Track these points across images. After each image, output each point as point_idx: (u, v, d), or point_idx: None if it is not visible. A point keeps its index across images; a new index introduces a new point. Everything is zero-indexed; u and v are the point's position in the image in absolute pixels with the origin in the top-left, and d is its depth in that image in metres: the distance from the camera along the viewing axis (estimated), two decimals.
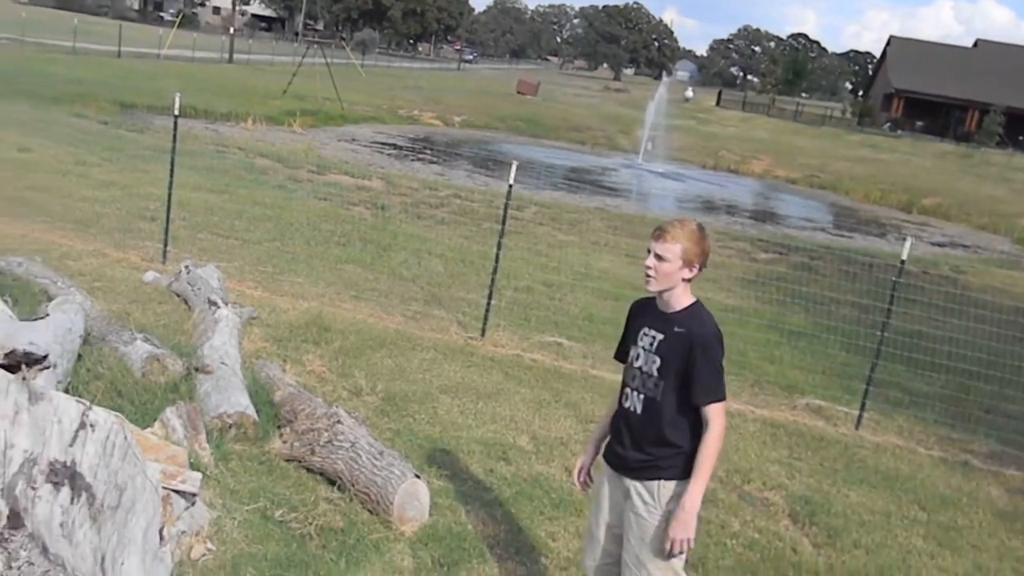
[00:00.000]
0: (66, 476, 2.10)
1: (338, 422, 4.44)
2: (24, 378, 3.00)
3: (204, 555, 3.20)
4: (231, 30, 47.67)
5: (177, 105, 8.24)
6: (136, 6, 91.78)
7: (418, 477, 4.21)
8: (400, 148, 24.07)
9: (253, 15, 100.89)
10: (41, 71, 24.73)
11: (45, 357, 4.65)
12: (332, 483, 4.37)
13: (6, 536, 1.71)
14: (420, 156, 23.15)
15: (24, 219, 9.02)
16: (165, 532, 2.49)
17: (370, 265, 9.65)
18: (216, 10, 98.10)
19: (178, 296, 7.22)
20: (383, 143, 24.41)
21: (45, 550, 1.74)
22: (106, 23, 51.14)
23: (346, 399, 5.56)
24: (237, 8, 70.80)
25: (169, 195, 8.38)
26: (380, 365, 6.40)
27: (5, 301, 5.57)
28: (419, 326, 7.64)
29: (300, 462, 4.47)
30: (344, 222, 11.77)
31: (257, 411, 4.75)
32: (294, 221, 11.27)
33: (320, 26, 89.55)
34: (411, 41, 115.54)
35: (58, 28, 37.88)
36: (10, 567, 1.62)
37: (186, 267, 7.37)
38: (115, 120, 18.19)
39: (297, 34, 75.45)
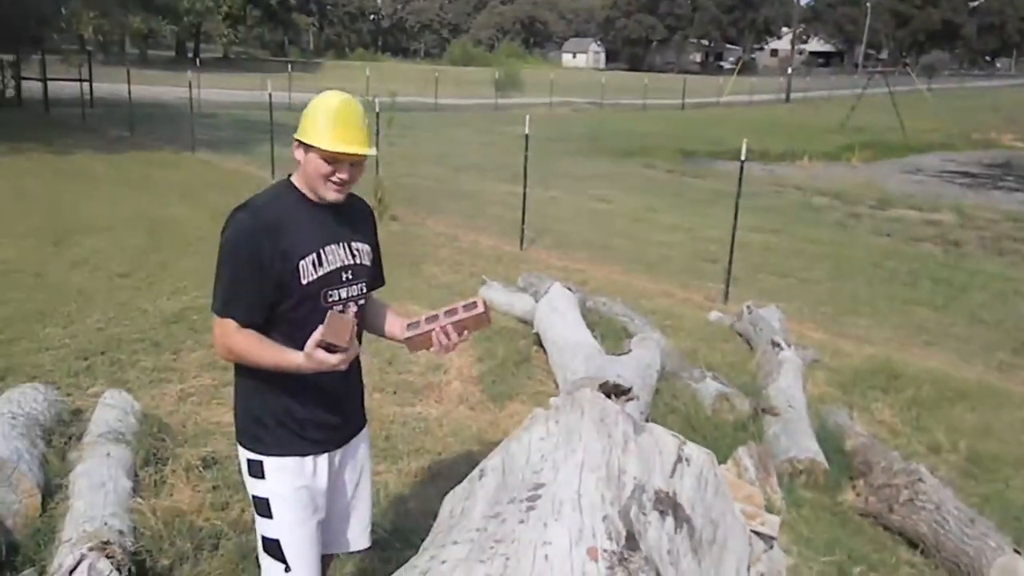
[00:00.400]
0: (669, 506, 2.25)
1: (919, 480, 4.09)
2: None
3: None
4: (788, 70, 48.26)
5: (744, 151, 8.53)
6: (698, 59, 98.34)
7: (1018, 552, 3.66)
8: (974, 176, 21.74)
9: (811, 52, 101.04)
10: (616, 129, 27.85)
11: (630, 389, 5.12)
12: (913, 545, 4.02)
13: (625, 556, 1.88)
14: (999, 184, 20.60)
15: (606, 262, 10.15)
16: (752, 572, 2.53)
17: (942, 307, 8.83)
18: (774, 52, 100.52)
19: (740, 336, 7.40)
20: (953, 172, 22.30)
21: (658, 574, 1.87)
22: (672, 79, 55.59)
23: (923, 455, 5.10)
24: (795, 47, 71.39)
25: (732, 237, 8.69)
26: (961, 420, 5.76)
27: (595, 337, 6.32)
28: (1007, 378, 6.73)
29: (876, 518, 4.21)
30: (910, 260, 10.98)
31: (827, 459, 4.61)
32: (854, 260, 10.87)
33: (883, 55, 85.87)
34: (988, 58, 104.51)
35: (631, 88, 42.35)
36: None
37: (748, 307, 7.52)
38: (679, 168, 19.55)
39: (857, 65, 73.32)
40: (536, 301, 7.05)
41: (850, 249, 11.46)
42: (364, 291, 2.53)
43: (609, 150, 21.96)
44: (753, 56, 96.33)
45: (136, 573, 3.09)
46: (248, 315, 2.33)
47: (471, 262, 9.56)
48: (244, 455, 2.50)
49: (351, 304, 2.46)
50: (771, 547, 3.21)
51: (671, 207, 14.36)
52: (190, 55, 54.10)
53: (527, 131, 10.48)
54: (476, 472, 2.52)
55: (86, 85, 24.07)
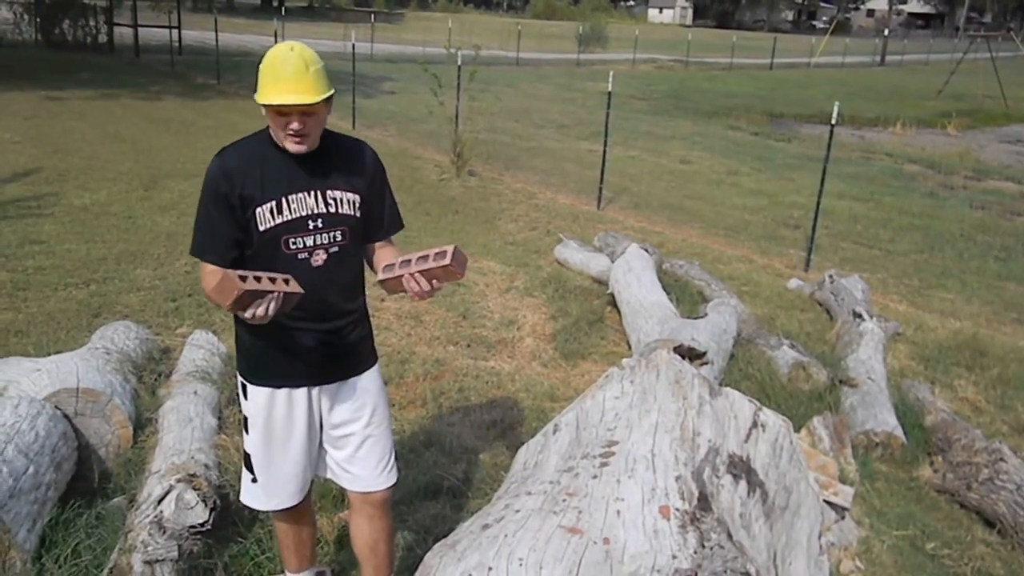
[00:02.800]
0: (743, 470, 2.24)
1: (1001, 459, 3.98)
2: None
3: (852, 572, 3.16)
4: (885, 31, 46.36)
5: (835, 115, 8.26)
6: (790, 17, 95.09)
7: None
8: None
9: (909, 14, 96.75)
10: (700, 88, 27.25)
11: (704, 353, 5.08)
12: (990, 525, 3.93)
13: (698, 516, 1.89)
14: None
15: (684, 225, 10.01)
16: (822, 541, 2.51)
17: None
18: (870, 12, 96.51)
19: (820, 305, 7.24)
20: None
21: (730, 536, 1.87)
22: (761, 37, 54.01)
23: (1007, 435, 4.95)
24: (893, 8, 68.35)
25: (817, 204, 8.47)
26: None
27: (671, 300, 6.27)
28: None
29: (953, 495, 4.12)
30: (1005, 234, 10.54)
31: (905, 433, 4.52)
32: (945, 232, 10.49)
33: (986, 18, 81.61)
34: None
35: (718, 46, 41.31)
36: (703, 546, 1.78)
37: (830, 276, 7.35)
38: (764, 131, 19.03)
39: (958, 29, 69.88)
40: (612, 261, 7.02)
41: (941, 221, 11.06)
42: (340, 239, 2.51)
43: (692, 110, 21.52)
44: (848, 16, 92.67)
45: (220, 506, 3.23)
46: (217, 258, 2.44)
47: (547, 220, 9.53)
48: (239, 379, 2.69)
49: (319, 251, 2.48)
50: (843, 518, 3.18)
51: (754, 171, 14.03)
52: (275, 3, 54.68)
53: (610, 88, 10.34)
54: (550, 427, 2.55)
55: (175, 32, 24.61)
